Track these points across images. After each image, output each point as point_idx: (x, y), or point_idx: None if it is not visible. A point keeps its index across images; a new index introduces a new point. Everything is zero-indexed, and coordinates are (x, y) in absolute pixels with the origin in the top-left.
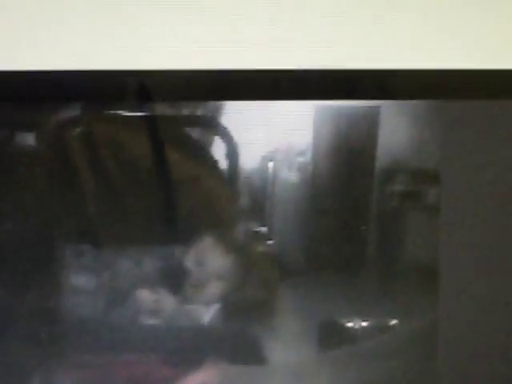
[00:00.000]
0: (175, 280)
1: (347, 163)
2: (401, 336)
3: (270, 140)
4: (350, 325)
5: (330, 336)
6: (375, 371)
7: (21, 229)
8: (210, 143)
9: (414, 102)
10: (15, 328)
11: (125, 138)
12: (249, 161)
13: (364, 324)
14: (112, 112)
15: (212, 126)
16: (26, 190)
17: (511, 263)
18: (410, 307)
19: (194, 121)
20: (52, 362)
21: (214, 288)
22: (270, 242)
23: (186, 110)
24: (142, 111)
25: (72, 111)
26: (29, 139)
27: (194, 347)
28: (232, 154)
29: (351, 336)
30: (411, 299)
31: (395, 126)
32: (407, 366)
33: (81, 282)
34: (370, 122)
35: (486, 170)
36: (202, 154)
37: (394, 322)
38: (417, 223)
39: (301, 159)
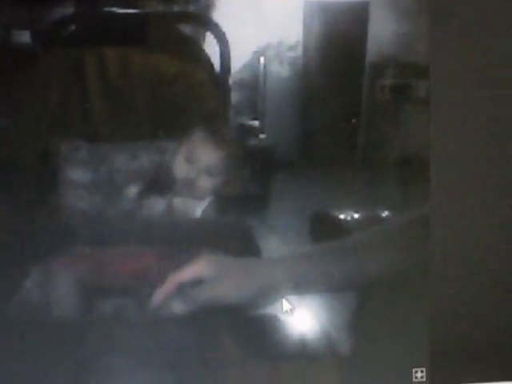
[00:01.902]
0: (169, 174)
1: (337, 58)
2: (393, 228)
3: (260, 35)
4: (342, 217)
5: (323, 228)
6: (367, 263)
7: (19, 126)
8: (201, 39)
9: None
10: (13, 221)
11: (117, 36)
12: (240, 56)
13: (356, 216)
14: (103, 9)
15: (203, 21)
16: (23, 89)
17: (502, 155)
18: (402, 200)
19: (186, 17)
20: (50, 255)
21: (207, 182)
22: (263, 136)
23: (177, 7)
24: (133, 7)
25: (63, 9)
26: (23, 38)
27: (188, 240)
28: (223, 49)
29: (344, 228)
30: (403, 192)
31: (384, 21)
32: (399, 257)
33: (77, 176)
34: (360, 17)
35: (476, 63)
36: (193, 50)
37: (385, 214)
38: (407, 116)
39: (291, 54)
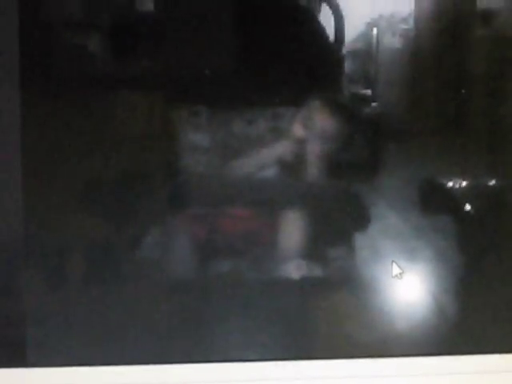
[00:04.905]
0: (285, 137)
1: (448, 30)
2: (499, 196)
3: (374, 7)
4: (450, 184)
5: (432, 195)
6: (473, 232)
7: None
8: (316, 11)
9: None
10: (136, 182)
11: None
12: (354, 27)
13: (464, 184)
14: None
15: None
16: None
17: None
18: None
19: None
20: (169, 215)
21: (322, 147)
22: (374, 104)
23: None
24: None
25: None
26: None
27: (301, 204)
28: (338, 20)
29: (452, 196)
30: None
31: None
32: (505, 226)
33: (197, 141)
34: None
35: None
36: (310, 21)
37: (493, 182)
38: None
39: (403, 26)
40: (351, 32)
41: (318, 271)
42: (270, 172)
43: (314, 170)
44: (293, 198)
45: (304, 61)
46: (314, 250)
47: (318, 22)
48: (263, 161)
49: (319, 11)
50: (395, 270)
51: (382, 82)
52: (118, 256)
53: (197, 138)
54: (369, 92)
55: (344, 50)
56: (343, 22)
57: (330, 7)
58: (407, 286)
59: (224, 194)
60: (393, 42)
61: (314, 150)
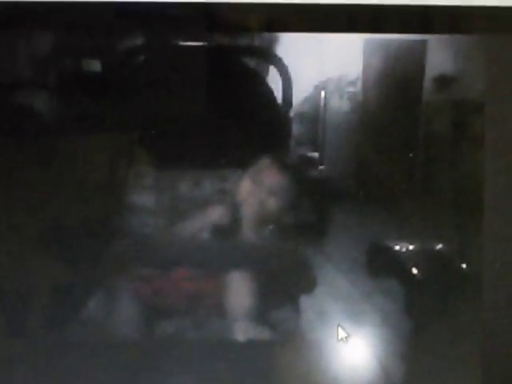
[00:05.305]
0: (232, 199)
1: (395, 93)
2: (446, 260)
3: (322, 70)
4: (397, 248)
5: (379, 258)
6: (420, 296)
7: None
8: (265, 73)
9: (460, 36)
10: (78, 243)
11: (183, 67)
12: (302, 90)
13: (411, 247)
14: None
15: (267, 56)
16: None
17: None
18: (456, 233)
19: (250, 51)
20: (114, 276)
21: (268, 209)
22: (322, 167)
23: (242, 41)
24: (200, 41)
25: (136, 40)
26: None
27: (246, 265)
28: (286, 82)
29: (399, 259)
30: (457, 225)
31: (441, 59)
32: (452, 290)
33: (142, 202)
34: (418, 54)
35: None
36: (258, 83)
37: (439, 246)
38: (463, 152)
39: (351, 89)
40: (299, 94)
41: (263, 333)
42: (217, 233)
43: (260, 231)
44: (240, 260)
45: (251, 123)
46: (259, 312)
47: (266, 84)
48: (210, 222)
49: (267, 73)
50: (341, 333)
51: (329, 144)
52: (60, 317)
53: (142, 198)
54: (316, 155)
55: (292, 113)
56: (291, 85)
57: (278, 70)
58: (353, 349)
59: (170, 254)
60: (340, 104)
61: (261, 212)
